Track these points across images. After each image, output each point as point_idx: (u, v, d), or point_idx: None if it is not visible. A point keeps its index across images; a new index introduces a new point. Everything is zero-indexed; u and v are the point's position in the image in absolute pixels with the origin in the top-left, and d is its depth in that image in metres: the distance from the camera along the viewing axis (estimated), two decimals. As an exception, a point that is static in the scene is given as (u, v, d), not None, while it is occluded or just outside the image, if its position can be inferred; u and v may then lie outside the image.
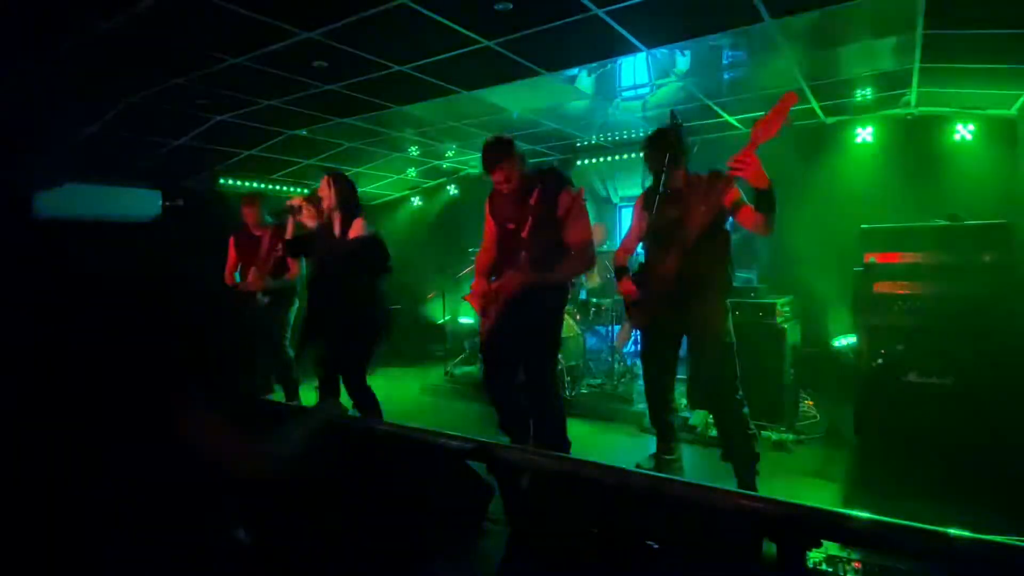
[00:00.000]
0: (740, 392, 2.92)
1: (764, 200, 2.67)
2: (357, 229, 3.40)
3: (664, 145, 2.90)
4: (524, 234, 2.80)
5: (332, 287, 3.40)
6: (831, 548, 1.09)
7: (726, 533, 1.09)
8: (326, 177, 3.50)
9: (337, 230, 3.45)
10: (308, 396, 4.69)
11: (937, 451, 3.03)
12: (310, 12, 3.04)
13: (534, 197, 2.80)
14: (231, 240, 4.74)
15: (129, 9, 2.82)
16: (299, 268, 4.57)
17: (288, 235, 3.64)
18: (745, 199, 2.82)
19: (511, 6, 2.99)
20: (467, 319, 7.01)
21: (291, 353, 4.69)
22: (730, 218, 2.90)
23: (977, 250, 3.31)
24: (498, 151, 2.77)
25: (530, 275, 2.79)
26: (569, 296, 3.06)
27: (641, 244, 3.27)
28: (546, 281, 2.81)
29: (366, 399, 3.39)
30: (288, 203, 3.54)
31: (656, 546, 1.12)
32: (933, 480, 2.88)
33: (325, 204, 3.47)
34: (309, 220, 3.54)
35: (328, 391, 3.50)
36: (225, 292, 4.71)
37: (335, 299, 3.38)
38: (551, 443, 2.84)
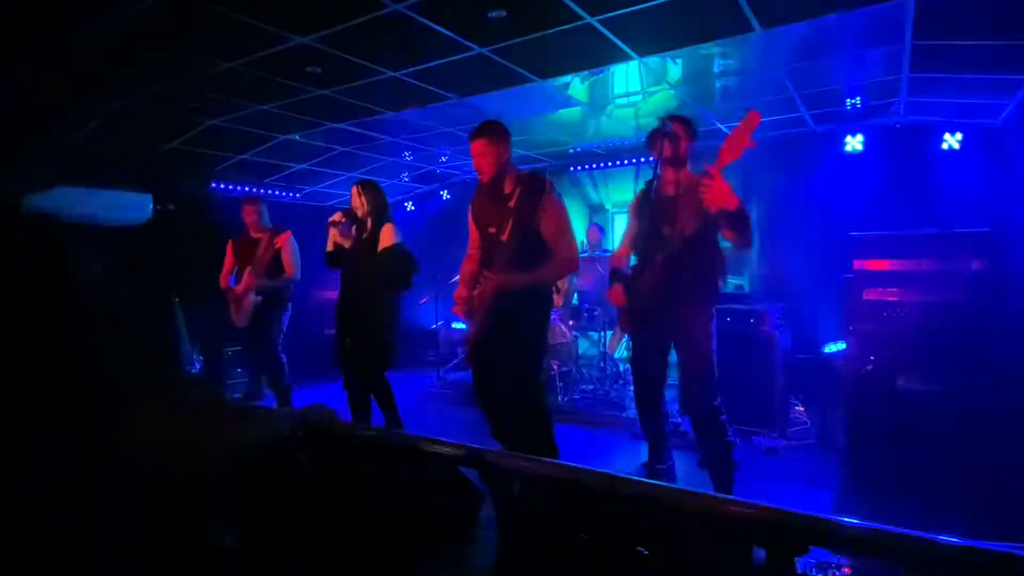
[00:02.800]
0: (719, 399, 2.90)
1: (734, 220, 2.62)
2: (387, 237, 3.54)
3: (654, 144, 2.87)
4: (504, 237, 2.76)
5: (356, 289, 3.63)
6: (821, 554, 1.09)
7: (716, 539, 1.09)
8: (355, 187, 3.67)
9: (366, 234, 3.61)
10: (298, 403, 4.65)
11: (926, 457, 3.05)
12: (305, 17, 3.04)
13: (514, 199, 2.77)
14: (229, 244, 4.71)
15: (122, 12, 2.81)
16: (294, 270, 4.55)
17: (329, 248, 3.78)
18: None
19: (504, 14, 3.01)
20: (460, 325, 7.00)
21: (283, 358, 4.66)
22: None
23: (965, 258, 3.35)
24: (484, 125, 2.84)
25: (508, 277, 2.75)
26: (554, 301, 3.05)
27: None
28: (525, 283, 2.77)
29: (385, 394, 3.70)
30: (330, 219, 3.70)
31: (646, 552, 1.12)
32: (922, 486, 2.89)
33: (360, 212, 3.66)
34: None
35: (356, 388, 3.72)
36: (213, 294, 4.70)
37: (358, 301, 3.60)
38: (538, 450, 2.82)
